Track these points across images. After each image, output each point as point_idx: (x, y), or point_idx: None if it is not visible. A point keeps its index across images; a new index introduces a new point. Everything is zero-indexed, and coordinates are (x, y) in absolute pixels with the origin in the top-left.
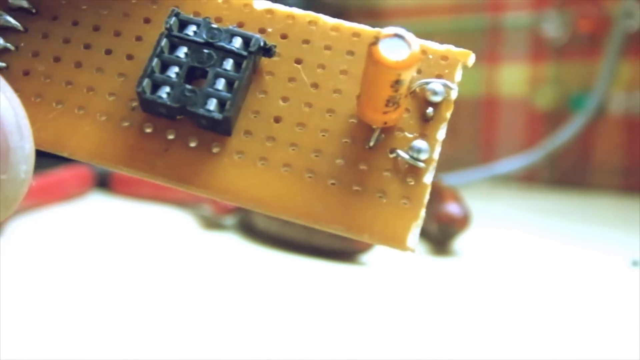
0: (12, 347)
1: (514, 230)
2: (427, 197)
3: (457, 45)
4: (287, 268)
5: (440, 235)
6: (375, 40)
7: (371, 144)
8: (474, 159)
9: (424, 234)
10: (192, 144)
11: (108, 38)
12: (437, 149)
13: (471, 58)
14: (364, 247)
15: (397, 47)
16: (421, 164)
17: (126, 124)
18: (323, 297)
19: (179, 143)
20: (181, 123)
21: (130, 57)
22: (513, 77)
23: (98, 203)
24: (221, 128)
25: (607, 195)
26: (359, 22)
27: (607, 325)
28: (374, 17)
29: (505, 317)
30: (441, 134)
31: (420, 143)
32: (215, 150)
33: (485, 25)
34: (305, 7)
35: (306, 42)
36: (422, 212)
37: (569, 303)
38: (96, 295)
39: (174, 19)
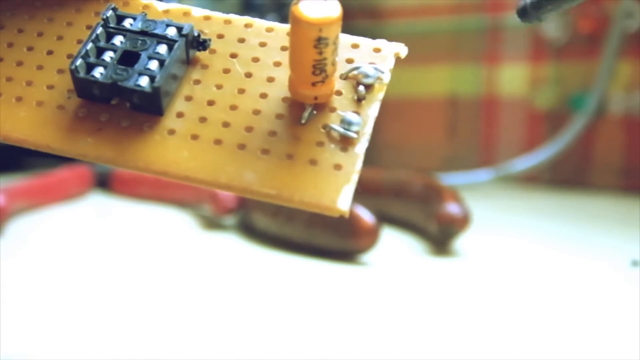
0: (12, 347)
1: (514, 230)
2: (359, 165)
3: (458, 45)
4: (287, 268)
5: (440, 235)
6: (297, 1)
7: (303, 121)
8: (474, 159)
9: (424, 234)
10: (125, 124)
11: (50, 41)
12: (370, 124)
13: (403, 50)
14: (364, 247)
15: (317, 6)
16: (353, 134)
17: (60, 109)
18: (323, 298)
19: (111, 124)
20: (115, 108)
21: (70, 56)
22: (513, 77)
23: (98, 203)
24: (152, 106)
25: (607, 195)
26: (359, 22)
27: (607, 326)
28: (374, 17)
29: (505, 316)
30: (373, 110)
31: (351, 116)
32: (146, 128)
33: (485, 25)
34: None
35: (241, 40)
36: (354, 177)
37: (568, 303)
38: (96, 296)
39: (110, 12)
